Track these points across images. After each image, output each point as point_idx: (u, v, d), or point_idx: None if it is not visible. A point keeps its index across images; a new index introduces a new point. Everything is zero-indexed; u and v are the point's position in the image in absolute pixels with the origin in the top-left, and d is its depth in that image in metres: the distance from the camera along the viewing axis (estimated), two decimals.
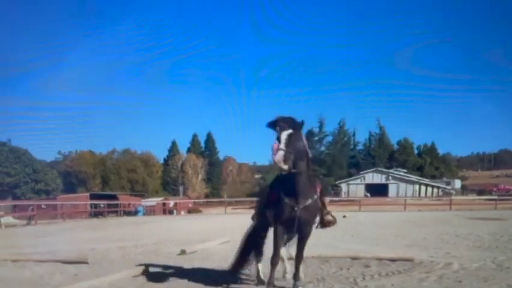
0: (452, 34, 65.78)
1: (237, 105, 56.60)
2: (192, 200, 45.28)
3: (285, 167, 4.57)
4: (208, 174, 57.97)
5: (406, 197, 35.98)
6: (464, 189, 57.21)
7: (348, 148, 57.25)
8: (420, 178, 51.16)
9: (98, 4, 78.03)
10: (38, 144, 78.50)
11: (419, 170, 55.22)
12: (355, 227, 12.48)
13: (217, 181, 59.19)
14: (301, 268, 5.32)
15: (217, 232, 12.43)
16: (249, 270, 5.88)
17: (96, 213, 28.87)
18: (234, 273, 5.92)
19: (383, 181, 49.67)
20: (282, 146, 4.60)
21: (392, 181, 49.36)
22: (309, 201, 4.97)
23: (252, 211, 5.84)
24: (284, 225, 5.06)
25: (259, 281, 5.53)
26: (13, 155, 45.90)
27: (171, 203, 36.99)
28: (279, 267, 5.35)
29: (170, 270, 6.63)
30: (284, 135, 4.67)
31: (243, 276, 5.92)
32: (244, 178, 61.54)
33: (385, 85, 73.84)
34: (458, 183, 55.95)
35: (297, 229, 5.06)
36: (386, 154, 56.53)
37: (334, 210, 5.65)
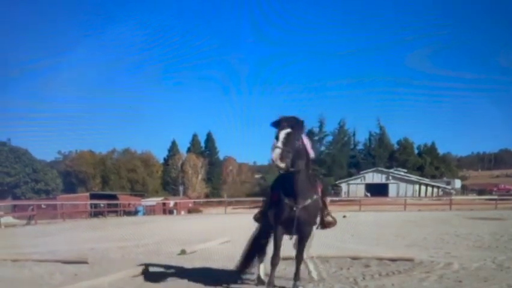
0: (452, 34, 65.74)
1: (236, 105, 56.67)
2: (192, 200, 45.29)
3: (282, 165, 4.56)
4: (208, 174, 57.96)
5: (406, 197, 35.99)
6: (464, 189, 57.21)
7: (348, 148, 57.24)
8: (420, 178, 51.16)
9: (98, 4, 78.03)
10: (38, 144, 78.71)
11: (419, 169, 55.20)
12: (355, 227, 12.47)
13: (217, 181, 59.18)
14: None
15: (217, 232, 12.43)
16: (254, 271, 5.85)
17: (96, 213, 28.87)
18: (240, 273, 5.89)
19: (383, 181, 49.67)
20: (280, 144, 4.60)
21: (392, 181, 49.36)
22: (309, 201, 4.95)
23: (253, 211, 5.84)
24: (283, 226, 5.05)
25: (260, 281, 5.53)
26: (13, 154, 45.88)
27: (171, 202, 36.99)
28: (302, 268, 5.38)
29: (171, 270, 6.63)
30: (282, 133, 4.67)
31: (244, 276, 5.91)
32: (244, 178, 61.54)
33: (385, 85, 73.69)
34: (458, 183, 55.93)
35: (297, 229, 5.05)
36: (386, 154, 56.52)
37: (334, 210, 5.65)
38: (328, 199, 5.67)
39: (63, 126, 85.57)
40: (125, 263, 7.32)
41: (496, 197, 36.46)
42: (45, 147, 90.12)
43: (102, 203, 31.05)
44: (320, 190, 5.30)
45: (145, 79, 73.17)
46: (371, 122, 66.57)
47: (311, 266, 5.76)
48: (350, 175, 52.64)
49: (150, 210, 33.83)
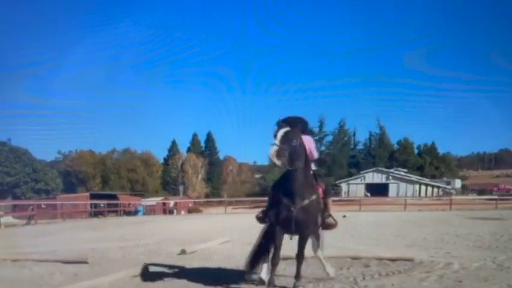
0: (452, 34, 65.85)
1: (237, 104, 56.88)
2: (192, 200, 45.30)
3: (278, 162, 4.59)
4: (208, 173, 57.97)
5: (406, 197, 35.95)
6: (464, 189, 57.21)
7: (349, 148, 57.20)
8: (420, 178, 51.14)
9: (98, 3, 78.00)
10: (38, 143, 78.79)
11: (419, 169, 55.19)
12: (355, 227, 12.46)
13: (217, 181, 59.19)
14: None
15: (217, 232, 12.40)
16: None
17: (96, 213, 28.87)
18: (247, 273, 5.85)
19: (383, 181, 49.65)
20: (277, 141, 4.64)
21: (392, 181, 49.34)
22: (306, 201, 4.93)
23: (254, 211, 5.85)
24: (282, 225, 5.05)
25: (260, 281, 5.52)
26: (13, 154, 45.87)
27: (171, 202, 37.00)
28: (318, 267, 5.46)
29: (171, 270, 6.63)
30: (281, 132, 4.72)
31: (247, 276, 5.90)
32: (244, 178, 61.55)
33: (385, 85, 73.83)
34: (458, 183, 55.91)
35: (295, 230, 5.05)
36: (386, 154, 56.51)
37: (334, 210, 5.63)
38: (330, 200, 5.62)
39: (63, 126, 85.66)
40: (125, 263, 7.32)
41: (496, 197, 36.44)
42: (45, 147, 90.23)
43: (102, 203, 31.04)
44: (321, 190, 5.28)
45: (145, 79, 73.27)
46: (371, 122, 66.77)
47: (327, 265, 5.80)
48: (350, 175, 52.62)
49: (150, 210, 33.84)
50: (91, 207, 30.56)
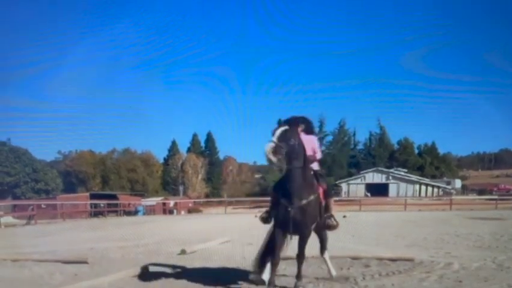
0: (452, 35, 65.88)
1: (236, 104, 56.87)
2: (192, 200, 45.29)
3: (274, 158, 4.58)
4: (208, 174, 57.97)
5: (406, 197, 35.95)
6: (464, 189, 57.21)
7: (349, 148, 57.23)
8: (420, 178, 51.14)
9: (98, 4, 78.05)
10: (38, 144, 78.79)
11: (420, 169, 55.20)
12: (355, 227, 12.45)
13: (217, 181, 59.19)
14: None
15: (217, 232, 12.41)
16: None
17: (96, 213, 28.86)
18: (255, 273, 5.84)
19: (383, 181, 49.65)
20: (274, 139, 4.64)
21: (392, 181, 49.34)
22: (304, 201, 4.91)
23: (253, 211, 5.85)
24: (281, 226, 5.04)
25: (260, 281, 5.51)
26: (13, 154, 45.88)
27: (171, 202, 37.00)
28: (323, 268, 5.49)
29: (170, 270, 6.63)
30: (279, 130, 4.72)
31: (244, 276, 5.90)
32: (244, 178, 61.55)
33: (385, 85, 73.84)
34: (458, 183, 55.92)
35: (293, 230, 5.02)
36: (386, 154, 56.52)
37: (334, 210, 5.62)
38: (332, 200, 5.59)
39: (63, 126, 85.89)
40: (125, 263, 7.31)
41: (496, 197, 36.42)
42: (45, 147, 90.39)
43: (102, 203, 31.03)
44: (321, 190, 5.26)
45: (145, 79, 73.24)
46: (371, 122, 66.81)
47: (331, 267, 5.81)
48: (350, 175, 52.63)
49: (150, 210, 33.83)
50: (91, 207, 30.55)
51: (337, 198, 38.38)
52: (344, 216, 14.86)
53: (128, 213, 31.05)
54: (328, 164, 50.52)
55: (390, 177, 49.60)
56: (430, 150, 58.11)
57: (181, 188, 54.54)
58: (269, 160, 4.60)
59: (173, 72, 75.59)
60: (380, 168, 51.15)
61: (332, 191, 6.34)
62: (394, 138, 58.82)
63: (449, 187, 51.29)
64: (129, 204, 34.51)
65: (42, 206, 29.06)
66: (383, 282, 5.53)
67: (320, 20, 71.67)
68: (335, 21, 67.25)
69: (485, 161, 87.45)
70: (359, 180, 50.93)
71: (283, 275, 5.75)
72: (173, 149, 60.12)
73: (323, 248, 5.77)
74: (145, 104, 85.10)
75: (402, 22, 64.74)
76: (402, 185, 48.36)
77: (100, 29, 64.14)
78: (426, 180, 51.34)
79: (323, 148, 53.72)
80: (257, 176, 60.62)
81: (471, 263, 6.62)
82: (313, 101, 58.77)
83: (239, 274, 6.10)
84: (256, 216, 7.10)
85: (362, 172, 51.64)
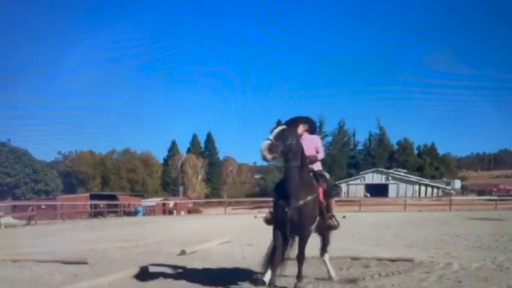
0: (452, 34, 65.89)
1: (236, 105, 56.88)
2: (192, 200, 45.28)
3: (269, 156, 4.57)
4: (208, 174, 57.98)
5: (406, 197, 35.96)
6: (464, 190, 57.21)
7: (348, 148, 57.25)
8: (420, 178, 51.15)
9: (98, 4, 78.08)
10: (38, 144, 78.65)
11: (419, 170, 55.22)
12: (355, 228, 12.45)
13: (217, 181, 59.19)
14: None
15: (217, 232, 12.42)
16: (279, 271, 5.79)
17: (96, 214, 28.84)
18: (264, 274, 5.84)
19: (383, 181, 49.65)
20: (271, 137, 4.64)
21: (392, 181, 49.34)
22: (301, 202, 4.88)
23: (253, 211, 5.85)
24: (280, 227, 5.03)
25: (261, 282, 5.51)
26: (13, 155, 45.89)
27: (171, 203, 36.99)
28: (323, 268, 5.50)
29: (170, 271, 6.63)
30: (276, 129, 4.72)
31: (244, 277, 5.90)
32: (244, 178, 61.56)
33: (385, 85, 73.91)
34: (458, 184, 55.94)
35: (291, 231, 5.00)
36: (386, 154, 56.54)
37: (335, 211, 5.62)
38: (332, 200, 5.56)
39: (63, 126, 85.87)
40: (125, 263, 7.32)
41: (495, 197, 36.42)
42: (45, 147, 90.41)
43: (102, 203, 31.02)
44: (321, 191, 5.25)
45: (145, 79, 73.36)
46: (371, 122, 66.89)
47: (331, 269, 5.81)
48: (349, 175, 52.64)
49: (150, 211, 33.81)
50: (91, 207, 30.51)
51: (337, 199, 38.40)
52: (344, 217, 14.85)
53: (128, 214, 31.03)
54: (328, 165, 50.52)
55: (390, 178, 49.61)
56: (430, 151, 58.14)
57: (180, 188, 54.54)
58: (264, 157, 4.59)
59: (173, 72, 75.79)
60: (379, 169, 51.15)
61: (333, 191, 6.32)
62: (394, 138, 58.97)
63: (448, 188, 51.31)
64: (129, 204, 34.49)
65: (42, 206, 29.06)
66: (382, 283, 5.53)
67: (320, 20, 71.75)
68: (335, 22, 67.32)
69: (485, 161, 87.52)
70: (358, 181, 50.94)
71: (284, 276, 5.74)
72: (173, 149, 60.15)
73: (323, 250, 5.76)
74: (145, 104, 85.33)
75: (402, 23, 64.89)
76: (402, 185, 48.36)
77: (100, 29, 64.29)
78: (426, 181, 51.36)
79: (323, 148, 53.80)
80: (257, 176, 60.67)
81: (471, 264, 6.63)
82: (313, 101, 58.89)
83: (239, 274, 6.10)
84: (256, 216, 7.13)
85: (361, 173, 51.65)
